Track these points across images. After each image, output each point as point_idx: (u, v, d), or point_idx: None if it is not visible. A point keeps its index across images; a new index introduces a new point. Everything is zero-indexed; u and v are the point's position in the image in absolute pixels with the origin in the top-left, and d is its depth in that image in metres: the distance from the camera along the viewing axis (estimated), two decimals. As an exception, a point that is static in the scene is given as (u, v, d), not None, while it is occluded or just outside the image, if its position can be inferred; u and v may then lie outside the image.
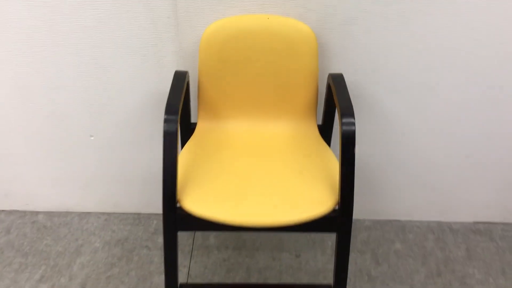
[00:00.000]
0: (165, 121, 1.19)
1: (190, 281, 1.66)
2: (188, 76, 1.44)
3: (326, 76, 1.58)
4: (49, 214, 1.95)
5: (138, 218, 1.96)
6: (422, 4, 1.44)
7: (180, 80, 1.35)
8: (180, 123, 1.51)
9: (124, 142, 1.76)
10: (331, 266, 1.73)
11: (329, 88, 1.45)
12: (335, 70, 1.56)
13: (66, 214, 1.96)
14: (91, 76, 1.59)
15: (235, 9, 1.44)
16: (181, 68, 1.57)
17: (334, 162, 1.34)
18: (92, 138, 1.75)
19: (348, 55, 1.54)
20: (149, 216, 1.97)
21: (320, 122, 1.59)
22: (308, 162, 1.34)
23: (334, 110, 1.49)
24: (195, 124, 1.53)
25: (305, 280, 1.67)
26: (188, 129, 1.52)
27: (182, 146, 1.57)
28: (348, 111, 1.23)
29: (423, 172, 1.84)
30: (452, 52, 1.53)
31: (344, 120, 1.20)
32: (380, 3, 1.43)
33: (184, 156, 1.35)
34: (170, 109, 1.21)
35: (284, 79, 1.45)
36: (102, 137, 1.75)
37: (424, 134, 1.73)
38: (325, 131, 1.55)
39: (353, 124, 1.20)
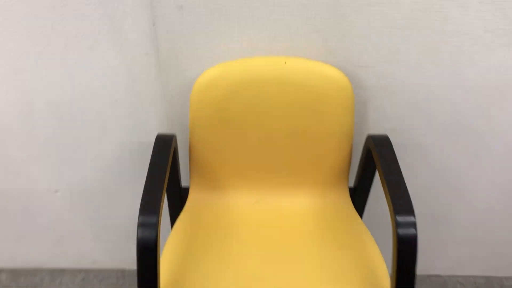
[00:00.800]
0: (140, 225, 0.82)
1: None
2: (175, 141, 1.05)
3: (363, 135, 1.19)
4: (14, 273, 1.61)
5: (122, 276, 1.62)
6: (474, 43, 1.02)
7: (162, 156, 0.96)
8: (167, 189, 1.13)
9: (100, 195, 1.39)
10: None
11: (367, 150, 1.06)
12: (376, 128, 1.17)
13: (35, 272, 1.62)
14: (50, 125, 1.20)
15: (238, 46, 1.03)
16: (166, 116, 1.17)
17: (377, 258, 0.97)
18: (58, 193, 1.38)
19: (392, 109, 1.13)
20: (135, 273, 1.62)
21: (351, 184, 1.21)
22: (341, 257, 0.97)
23: (372, 173, 1.11)
24: (186, 190, 1.15)
25: None
26: (177, 197, 1.15)
27: (171, 218, 1.19)
28: (405, 207, 0.86)
29: (470, 225, 1.47)
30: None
31: (400, 219, 0.83)
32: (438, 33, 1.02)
33: (170, 248, 0.98)
34: (147, 208, 0.84)
35: (306, 141, 1.06)
36: (71, 191, 1.37)
37: (474, 185, 1.35)
38: (357, 196, 1.17)
39: (414, 225, 0.83)
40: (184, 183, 1.31)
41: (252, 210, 1.10)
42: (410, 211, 0.86)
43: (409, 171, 1.31)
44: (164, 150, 0.97)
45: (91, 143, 1.24)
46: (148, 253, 0.81)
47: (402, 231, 0.83)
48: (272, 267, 0.95)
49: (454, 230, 1.50)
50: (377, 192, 1.35)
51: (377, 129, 1.20)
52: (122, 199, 1.40)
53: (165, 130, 1.21)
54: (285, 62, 0.99)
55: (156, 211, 0.84)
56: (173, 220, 1.21)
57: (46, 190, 1.37)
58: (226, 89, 1.00)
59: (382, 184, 0.93)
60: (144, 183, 0.89)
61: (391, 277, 0.86)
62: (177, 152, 1.09)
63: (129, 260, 1.61)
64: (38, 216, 1.46)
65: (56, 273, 1.61)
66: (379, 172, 0.95)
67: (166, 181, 0.91)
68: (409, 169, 1.30)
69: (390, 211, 0.88)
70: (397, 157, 0.98)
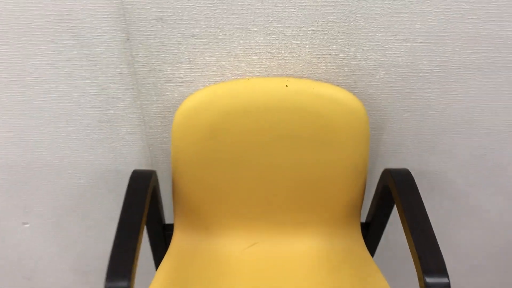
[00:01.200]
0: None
1: None
2: (155, 178, 0.88)
3: (377, 164, 1.03)
4: (-16, 309, 1.44)
5: (105, 310, 1.45)
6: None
7: (137, 203, 0.79)
8: (148, 227, 0.97)
9: (76, 225, 1.22)
10: None
11: (384, 186, 0.90)
12: (392, 157, 1.01)
13: (7, 307, 1.45)
14: (14, 152, 1.03)
15: (229, 65, 0.86)
16: (146, 142, 1.00)
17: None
18: (27, 225, 1.21)
19: (411, 134, 0.97)
20: (120, 307, 1.45)
21: (362, 217, 1.05)
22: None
23: (389, 209, 0.95)
24: (171, 227, 0.99)
25: None
26: (159, 236, 0.98)
27: (155, 260, 1.03)
28: (436, 266, 0.70)
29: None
30: None
31: (430, 280, 0.68)
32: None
33: None
34: (116, 270, 0.69)
35: (312, 175, 0.89)
36: (42, 222, 1.21)
37: (499, 217, 1.19)
38: (370, 234, 1.01)
39: (448, 286, 0.68)
40: (169, 219, 1.14)
41: (246, 255, 0.93)
42: (442, 270, 0.70)
43: (427, 201, 1.15)
44: (140, 193, 0.80)
45: (62, 171, 1.08)
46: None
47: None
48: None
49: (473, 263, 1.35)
50: (392, 223, 1.20)
51: (393, 158, 1.03)
52: (100, 228, 1.24)
53: (145, 158, 1.04)
54: (287, 85, 0.82)
55: (127, 274, 0.68)
56: (157, 261, 1.04)
57: (13, 223, 1.20)
58: (215, 117, 0.83)
59: (405, 232, 0.77)
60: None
61: None
62: (158, 189, 0.92)
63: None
64: (7, 250, 1.29)
65: (31, 308, 1.45)
66: (401, 217, 0.79)
67: (141, 231, 0.74)
68: (426, 198, 1.14)
69: (417, 269, 0.72)
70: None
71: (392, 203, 0.92)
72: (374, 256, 1.07)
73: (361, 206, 0.95)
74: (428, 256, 0.71)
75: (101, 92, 0.92)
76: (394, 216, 1.17)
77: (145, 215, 0.77)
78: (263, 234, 0.96)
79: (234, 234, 0.95)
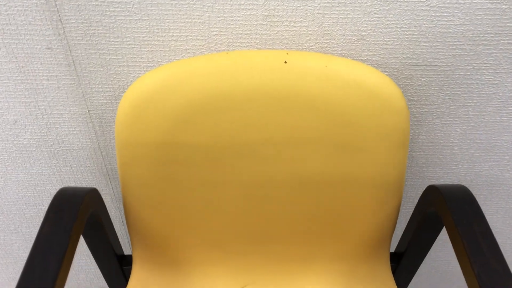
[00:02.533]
0: None
1: None
2: (97, 198, 0.61)
3: (411, 182, 0.76)
4: None
5: None
6: None
7: (55, 247, 0.53)
8: (98, 263, 0.71)
9: (16, 248, 0.97)
10: None
11: (426, 209, 0.62)
12: (433, 172, 0.74)
13: None
14: None
15: (202, 33, 0.59)
16: (97, 144, 0.74)
17: None
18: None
19: (461, 132, 0.70)
20: None
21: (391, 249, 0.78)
22: None
23: (431, 239, 0.67)
24: (130, 259, 0.72)
25: None
26: (115, 271, 0.71)
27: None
28: None
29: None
30: None
31: None
32: None
33: None
34: None
35: (325, 193, 0.62)
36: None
37: None
38: (401, 269, 0.74)
39: None
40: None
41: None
42: None
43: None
44: (63, 223, 0.53)
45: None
46: None
47: None
48: None
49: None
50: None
51: (434, 168, 0.76)
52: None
53: (97, 166, 0.77)
54: (286, 61, 0.55)
55: None
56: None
57: None
58: (180, 108, 0.56)
59: (465, 273, 0.49)
60: None
61: None
62: (104, 212, 0.65)
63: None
64: None
65: None
66: (460, 257, 0.52)
67: (62, 275, 0.48)
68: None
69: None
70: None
71: (437, 231, 0.65)
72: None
73: (391, 236, 0.68)
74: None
75: (25, 76, 0.65)
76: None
77: (71, 252, 0.51)
78: (255, 274, 0.68)
79: (214, 272, 0.68)
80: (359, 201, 0.62)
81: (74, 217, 0.53)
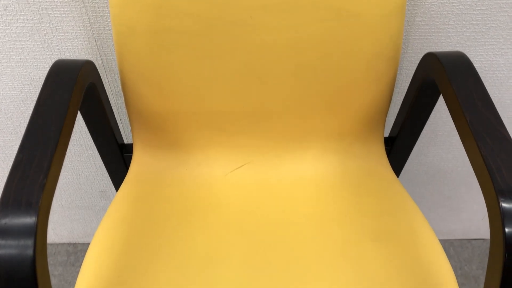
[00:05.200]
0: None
1: None
2: (94, 72, 0.62)
3: (410, 54, 0.75)
4: None
5: (74, 251, 1.25)
6: None
7: (56, 110, 0.53)
8: (99, 148, 0.72)
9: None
10: None
11: (421, 80, 0.63)
12: (434, 44, 0.73)
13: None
14: None
15: None
16: (91, 32, 0.73)
17: (437, 256, 0.59)
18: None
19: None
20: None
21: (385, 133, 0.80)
22: (378, 256, 0.58)
23: (425, 115, 0.69)
24: (130, 148, 0.74)
25: None
26: (116, 159, 0.73)
27: (115, 185, 0.80)
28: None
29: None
30: None
31: (509, 205, 0.44)
32: None
33: (98, 245, 0.59)
34: (12, 200, 0.44)
35: (321, 63, 0.63)
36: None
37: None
38: (396, 151, 0.76)
39: None
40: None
41: (230, 181, 0.69)
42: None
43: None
44: (63, 89, 0.53)
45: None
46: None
47: None
48: (262, 275, 0.56)
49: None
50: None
51: (428, 39, 0.76)
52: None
53: (93, 55, 0.77)
54: None
55: (32, 206, 0.43)
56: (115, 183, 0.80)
57: None
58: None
59: (464, 136, 0.51)
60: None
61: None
62: (103, 91, 0.65)
63: (80, 233, 1.23)
64: None
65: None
66: (457, 120, 0.53)
67: (63, 143, 0.49)
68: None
69: (484, 189, 0.47)
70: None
71: (434, 102, 0.66)
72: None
73: (386, 113, 0.70)
74: (504, 169, 0.45)
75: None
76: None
77: (71, 120, 0.51)
78: (253, 152, 0.70)
79: (213, 152, 0.70)
80: (355, 73, 0.63)
81: (72, 85, 0.54)
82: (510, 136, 0.48)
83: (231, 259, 0.58)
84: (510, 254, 0.44)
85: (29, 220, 0.42)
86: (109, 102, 0.68)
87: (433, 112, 0.81)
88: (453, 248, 1.25)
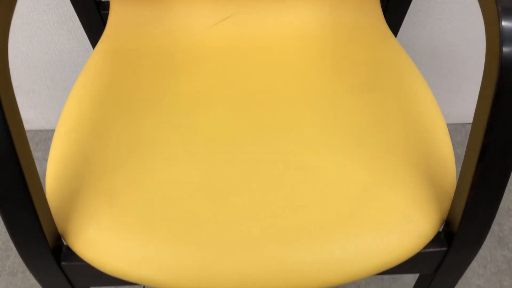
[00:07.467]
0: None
1: None
2: None
3: None
4: None
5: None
6: None
7: None
8: (77, 6, 0.68)
9: None
10: None
11: None
12: None
13: None
14: None
15: None
16: None
17: (431, 109, 0.58)
18: None
19: None
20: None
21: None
22: (376, 109, 0.57)
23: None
24: (107, 5, 0.69)
25: None
26: (92, 16, 0.69)
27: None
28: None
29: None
30: None
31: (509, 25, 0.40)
32: None
33: (70, 110, 0.58)
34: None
35: None
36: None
37: None
38: (391, 9, 0.72)
39: None
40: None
41: (213, 35, 0.65)
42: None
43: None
44: None
45: None
46: None
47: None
48: (248, 117, 0.55)
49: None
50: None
51: None
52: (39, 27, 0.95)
53: None
54: None
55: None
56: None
57: None
58: None
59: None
60: None
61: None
62: None
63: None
64: None
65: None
66: None
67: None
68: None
69: (483, 7, 0.44)
70: None
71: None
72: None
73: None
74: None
75: None
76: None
77: None
78: (239, 4, 0.66)
79: (194, 2, 0.66)
80: None
81: None
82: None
83: (217, 106, 0.57)
84: (502, 77, 0.42)
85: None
86: None
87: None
88: (446, 132, 1.24)
